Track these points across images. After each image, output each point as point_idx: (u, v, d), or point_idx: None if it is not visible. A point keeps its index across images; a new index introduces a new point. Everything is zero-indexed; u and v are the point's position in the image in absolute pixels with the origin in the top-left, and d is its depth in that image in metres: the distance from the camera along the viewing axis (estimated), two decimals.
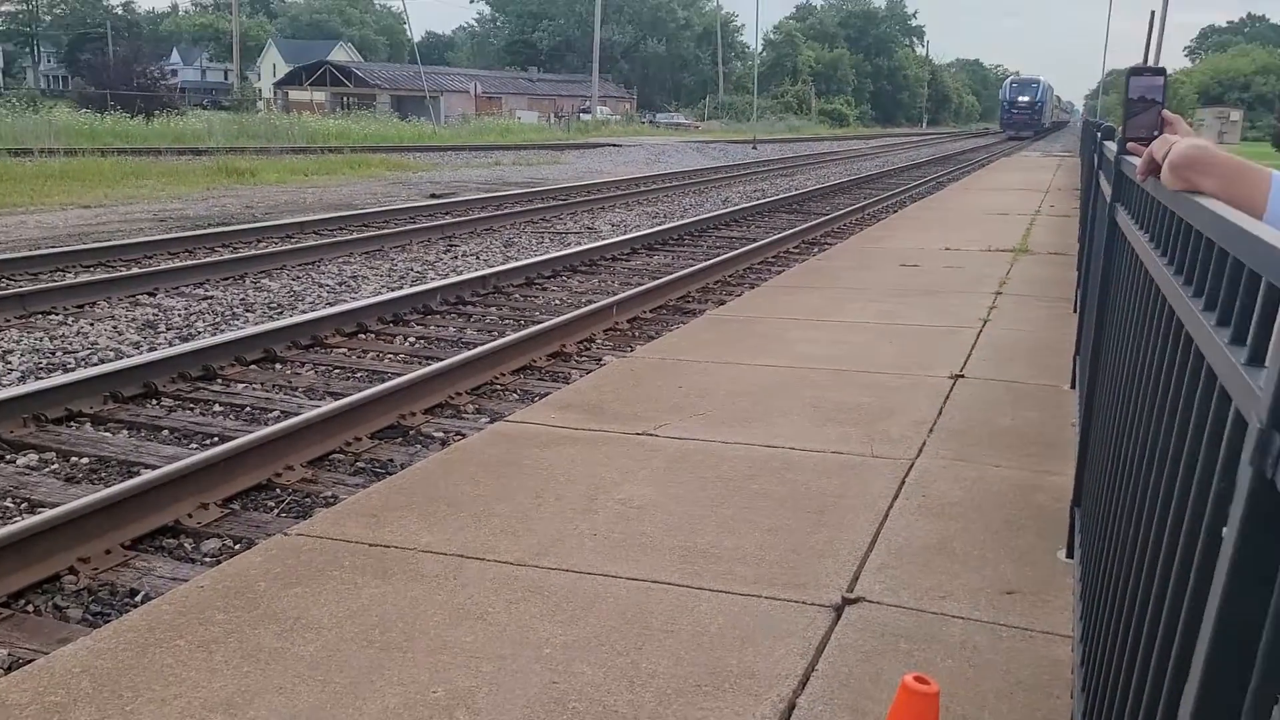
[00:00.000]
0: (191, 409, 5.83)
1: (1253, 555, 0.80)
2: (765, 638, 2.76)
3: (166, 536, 4.16)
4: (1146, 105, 2.07)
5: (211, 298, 8.98)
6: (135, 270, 9.74)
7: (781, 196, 19.69)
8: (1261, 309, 0.95)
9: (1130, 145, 2.16)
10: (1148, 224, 2.10)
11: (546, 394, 5.69)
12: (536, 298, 9.47)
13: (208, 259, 10.52)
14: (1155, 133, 2.01)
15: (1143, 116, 2.08)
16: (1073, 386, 5.17)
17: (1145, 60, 33.45)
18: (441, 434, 5.49)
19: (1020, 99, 72.68)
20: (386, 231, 13.00)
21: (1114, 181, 3.24)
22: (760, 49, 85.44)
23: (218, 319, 8.17)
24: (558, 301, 9.26)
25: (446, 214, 15.66)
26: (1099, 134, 5.26)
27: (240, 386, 6.27)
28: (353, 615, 2.84)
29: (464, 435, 5.13)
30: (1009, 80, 79.67)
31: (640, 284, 9.67)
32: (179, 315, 8.21)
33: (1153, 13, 33.72)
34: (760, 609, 2.92)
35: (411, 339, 7.69)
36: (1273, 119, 42.37)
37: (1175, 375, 1.40)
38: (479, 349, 6.63)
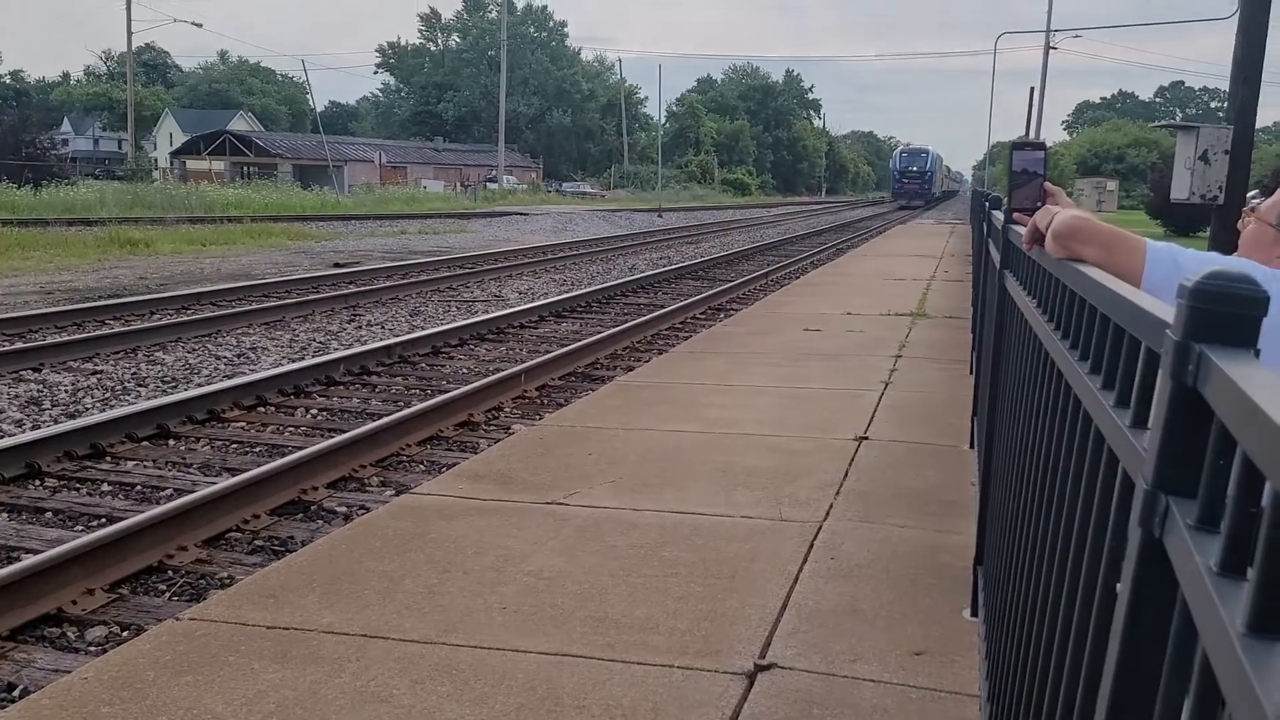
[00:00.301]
0: (78, 489, 5.58)
1: (1145, 614, 0.82)
2: (678, 709, 2.72)
3: (49, 625, 3.94)
4: (1030, 177, 2.17)
5: (101, 372, 8.66)
6: (18, 345, 9.34)
7: (687, 264, 19.97)
8: (1142, 373, 0.99)
9: (1016, 215, 2.26)
10: (1035, 290, 2.19)
11: (454, 464, 5.61)
12: (443, 367, 9.37)
13: (97, 332, 10.17)
14: (1038, 203, 2.10)
15: (1026, 188, 2.17)
16: (971, 446, 5.30)
17: (1027, 134, 35.13)
18: (345, 509, 5.35)
19: (910, 168, 71.15)
20: (288, 301, 12.77)
21: (1002, 250, 3.37)
22: (664, 120, 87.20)
23: (108, 394, 7.87)
24: (465, 370, 9.18)
25: (351, 283, 15.46)
26: (987, 203, 5.48)
27: (131, 464, 6.03)
28: (249, 703, 2.71)
29: (368, 509, 5.01)
30: (899, 150, 77.01)
31: (549, 351, 9.65)
32: (65, 391, 7.90)
33: (1032, 89, 35.48)
34: (673, 679, 2.89)
35: (314, 411, 7.52)
36: (1146, 189, 44.76)
37: (1066, 437, 1.45)
38: (384, 420, 6.51)
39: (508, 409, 7.71)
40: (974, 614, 3.27)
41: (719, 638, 3.15)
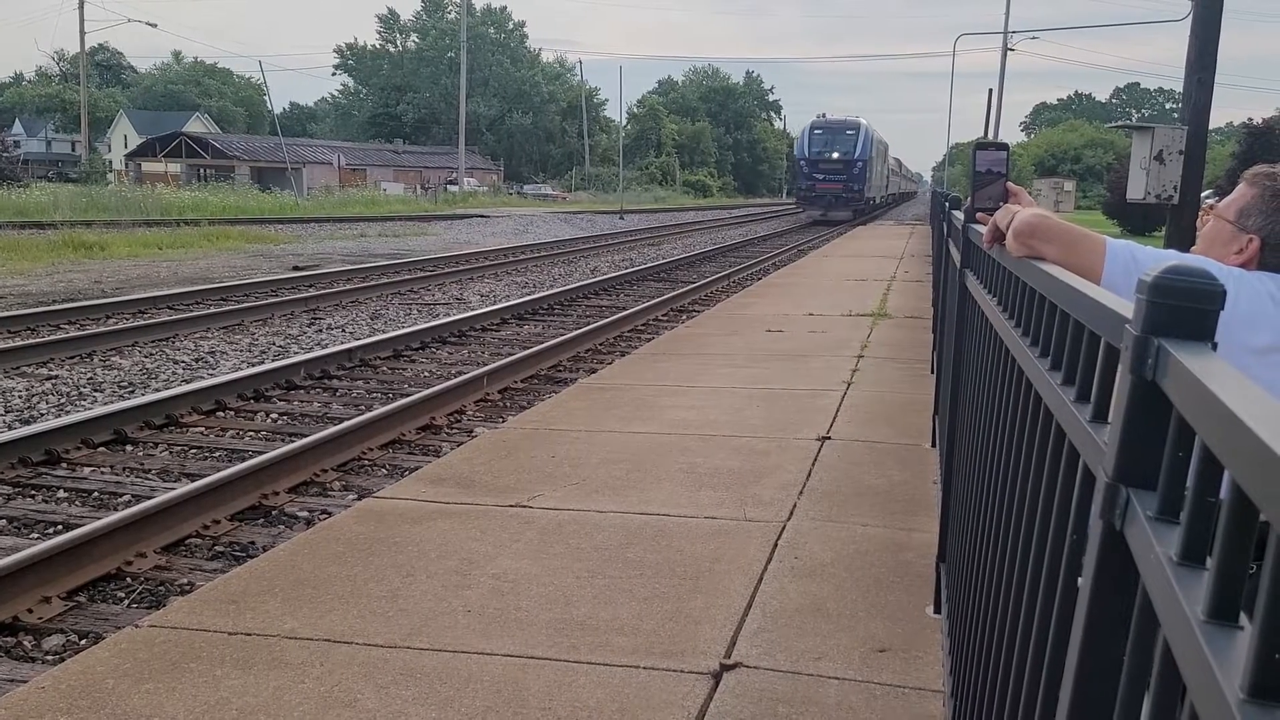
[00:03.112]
0: (33, 496, 5.48)
1: (1106, 605, 0.83)
2: (644, 710, 2.72)
3: (4, 634, 3.87)
4: (993, 178, 2.19)
5: (56, 377, 8.51)
6: None
7: (649, 265, 19.98)
8: (1102, 368, 1.01)
9: (979, 215, 2.28)
10: (995, 289, 2.21)
11: (416, 468, 5.57)
12: (405, 370, 9.31)
13: (51, 337, 9.99)
14: (1001, 203, 2.12)
15: (989, 188, 2.20)
16: (933, 445, 5.35)
17: (986, 134, 35.52)
18: (306, 513, 5.30)
19: (828, 155, 41.40)
20: (247, 305, 12.63)
21: (962, 249, 3.41)
22: (625, 122, 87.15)
23: (63, 399, 7.74)
24: (427, 373, 9.12)
25: (310, 286, 15.31)
26: (947, 204, 5.54)
27: (87, 470, 5.93)
28: (211, 710, 2.68)
29: (330, 514, 4.96)
30: (809, 126, 43.72)
31: (511, 354, 9.62)
32: (19, 397, 7.75)
33: (990, 90, 35.87)
34: (639, 680, 2.89)
35: (274, 415, 7.44)
36: (1103, 189, 45.43)
37: (1027, 432, 1.47)
38: (345, 424, 6.45)
39: (470, 412, 7.68)
40: (937, 611, 3.30)
41: (684, 638, 3.16)
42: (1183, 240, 9.41)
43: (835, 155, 41.17)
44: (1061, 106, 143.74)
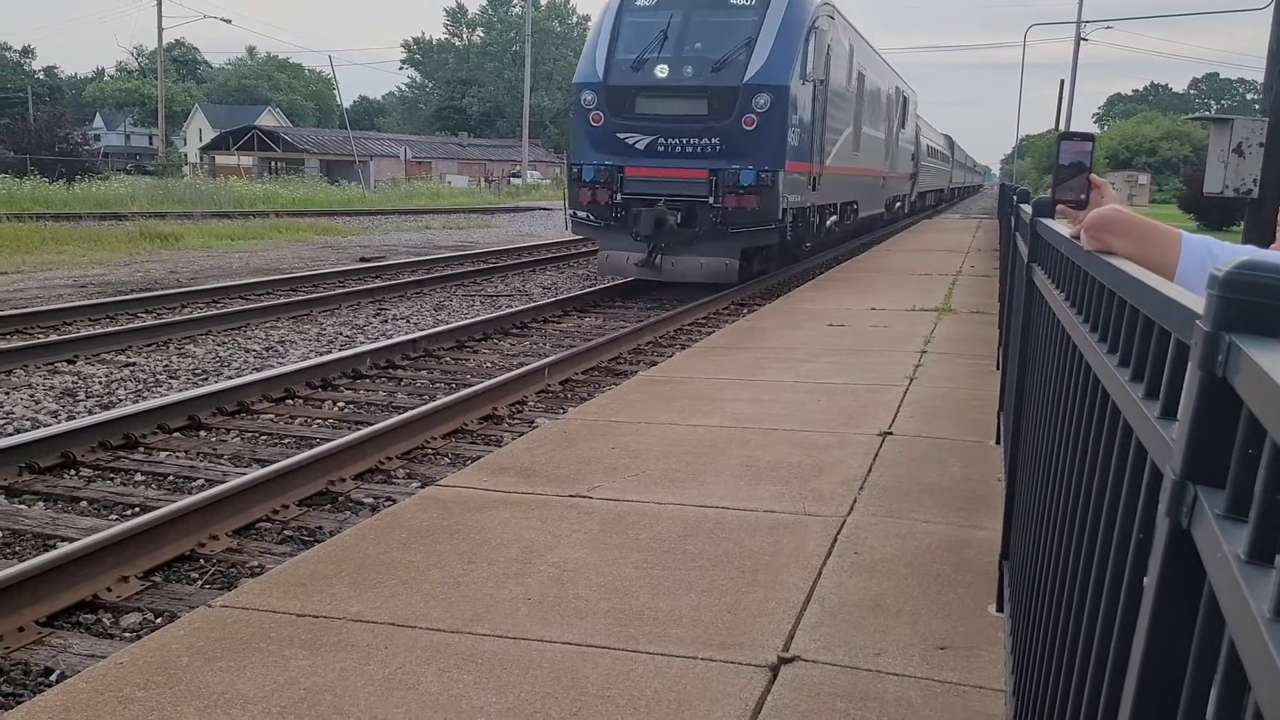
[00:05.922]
0: (112, 479, 5.66)
1: (1172, 603, 0.82)
2: (701, 700, 2.74)
3: (84, 611, 4.01)
4: (1076, 170, 2.15)
5: (134, 364, 8.76)
6: (54, 337, 9.48)
7: None
8: (1172, 364, 0.99)
9: (1059, 206, 2.25)
10: (1063, 283, 2.18)
11: (478, 457, 5.64)
12: (468, 360, 9.42)
13: (130, 325, 10.29)
14: (1083, 195, 2.09)
15: (1072, 180, 2.16)
16: (998, 442, 5.28)
17: (1057, 126, 34.77)
18: (371, 500, 5.40)
19: (666, 77, 12.65)
20: (315, 296, 12.86)
21: (1030, 242, 3.36)
22: None
23: (140, 386, 7.97)
24: (489, 364, 9.22)
25: (376, 277, 15.55)
26: (1015, 197, 5.45)
27: (163, 455, 6.10)
28: (280, 689, 2.75)
29: (394, 501, 5.05)
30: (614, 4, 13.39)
31: (572, 346, 9.68)
32: (99, 383, 8.00)
33: (1062, 81, 35.14)
34: (696, 671, 2.90)
35: (341, 404, 7.58)
36: (1179, 182, 44.26)
37: (1094, 429, 1.45)
38: (409, 413, 6.55)
39: (531, 403, 7.74)
40: (999, 609, 3.26)
41: (742, 630, 3.16)
42: (1262, 236, 9.14)
43: (688, 75, 13.20)
44: (1137, 98, 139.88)
